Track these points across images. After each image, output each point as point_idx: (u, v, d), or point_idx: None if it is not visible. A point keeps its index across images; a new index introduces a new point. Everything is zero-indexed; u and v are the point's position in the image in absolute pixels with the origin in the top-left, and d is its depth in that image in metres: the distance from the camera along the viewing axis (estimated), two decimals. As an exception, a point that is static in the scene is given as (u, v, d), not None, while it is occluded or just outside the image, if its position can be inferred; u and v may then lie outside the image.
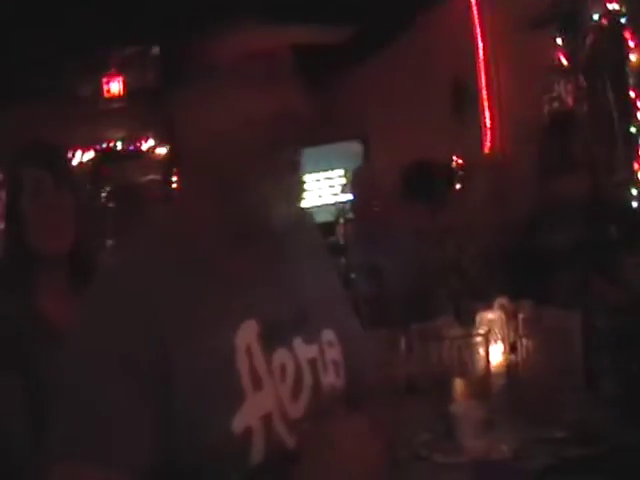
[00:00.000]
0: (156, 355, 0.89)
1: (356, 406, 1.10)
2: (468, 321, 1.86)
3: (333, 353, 1.08)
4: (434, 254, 2.98)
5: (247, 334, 0.96)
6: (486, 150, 4.21)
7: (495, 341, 1.76)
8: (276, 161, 0.97)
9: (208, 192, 1.01)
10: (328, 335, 1.08)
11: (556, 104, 3.39)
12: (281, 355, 1.00)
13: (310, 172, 5.70)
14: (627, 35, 3.02)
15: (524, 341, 1.64)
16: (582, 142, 2.61)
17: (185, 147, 1.03)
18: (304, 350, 1.03)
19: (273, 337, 0.99)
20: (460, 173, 4.20)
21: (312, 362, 1.04)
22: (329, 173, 5.79)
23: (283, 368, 0.99)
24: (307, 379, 1.02)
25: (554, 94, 3.41)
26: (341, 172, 5.78)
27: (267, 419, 0.94)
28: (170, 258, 0.96)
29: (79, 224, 1.64)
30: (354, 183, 3.75)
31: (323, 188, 5.78)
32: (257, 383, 0.95)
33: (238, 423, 0.91)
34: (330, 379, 1.06)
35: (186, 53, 0.99)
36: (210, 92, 0.97)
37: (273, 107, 0.96)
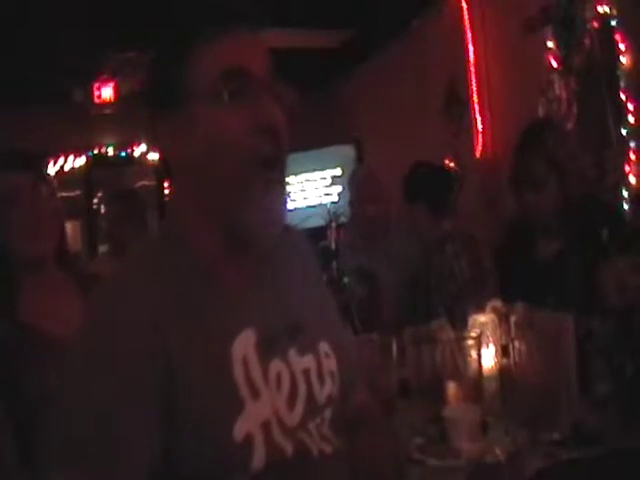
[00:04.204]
0: (158, 365, 0.90)
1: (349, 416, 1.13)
2: (461, 324, 1.86)
3: (329, 364, 1.10)
4: (429, 258, 2.97)
5: (244, 344, 0.97)
6: (478, 154, 4.21)
7: (487, 344, 1.75)
8: (256, 177, 0.98)
9: (202, 207, 1.02)
10: (324, 347, 1.11)
11: (549, 107, 3.39)
12: (277, 365, 1.01)
13: (302, 176, 5.70)
14: (618, 38, 3.02)
15: (516, 344, 1.64)
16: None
17: (173, 162, 1.04)
18: (298, 361, 1.05)
19: (269, 347, 1.01)
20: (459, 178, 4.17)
21: (306, 373, 1.05)
22: (321, 177, 5.78)
23: (279, 378, 1.01)
24: (301, 389, 1.03)
25: (548, 97, 3.41)
26: (334, 176, 5.76)
27: (266, 426, 0.95)
28: (169, 269, 0.98)
29: (60, 228, 1.65)
30: (351, 186, 3.73)
31: (315, 192, 5.77)
32: (255, 392, 0.96)
33: (239, 430, 0.92)
34: (328, 389, 1.08)
35: (172, 74, 1.00)
36: (191, 110, 0.98)
37: (249, 124, 0.97)
